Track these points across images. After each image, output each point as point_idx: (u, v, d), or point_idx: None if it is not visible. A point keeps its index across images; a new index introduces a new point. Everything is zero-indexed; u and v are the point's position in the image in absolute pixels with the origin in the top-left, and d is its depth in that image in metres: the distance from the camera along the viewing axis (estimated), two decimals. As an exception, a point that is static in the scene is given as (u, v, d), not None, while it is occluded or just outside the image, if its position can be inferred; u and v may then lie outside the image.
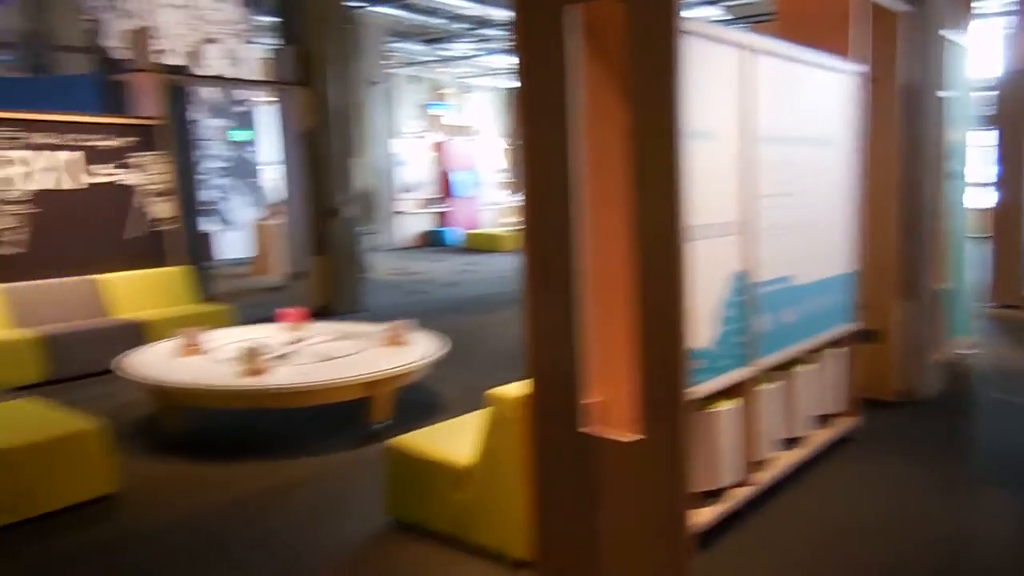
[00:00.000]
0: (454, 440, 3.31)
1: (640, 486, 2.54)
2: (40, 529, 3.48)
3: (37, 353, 5.86)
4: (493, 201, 18.14)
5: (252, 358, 4.36)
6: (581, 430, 2.65)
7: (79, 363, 6.00)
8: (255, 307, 8.10)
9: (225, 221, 13.45)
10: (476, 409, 3.72)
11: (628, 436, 2.55)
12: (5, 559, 3.24)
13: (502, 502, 3.01)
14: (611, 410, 2.72)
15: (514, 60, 2.62)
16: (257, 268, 11.98)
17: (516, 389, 2.91)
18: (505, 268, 12.75)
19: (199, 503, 3.81)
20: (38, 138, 6.52)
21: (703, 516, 3.06)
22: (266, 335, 5.38)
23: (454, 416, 3.86)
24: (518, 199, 2.66)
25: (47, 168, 6.57)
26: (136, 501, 3.80)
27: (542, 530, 2.83)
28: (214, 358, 4.81)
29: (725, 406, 3.21)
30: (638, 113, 2.42)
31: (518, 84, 2.63)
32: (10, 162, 6.35)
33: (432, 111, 17.36)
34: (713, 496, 3.20)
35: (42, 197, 6.53)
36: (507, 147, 18.91)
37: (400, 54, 15.38)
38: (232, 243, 12.96)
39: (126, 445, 4.45)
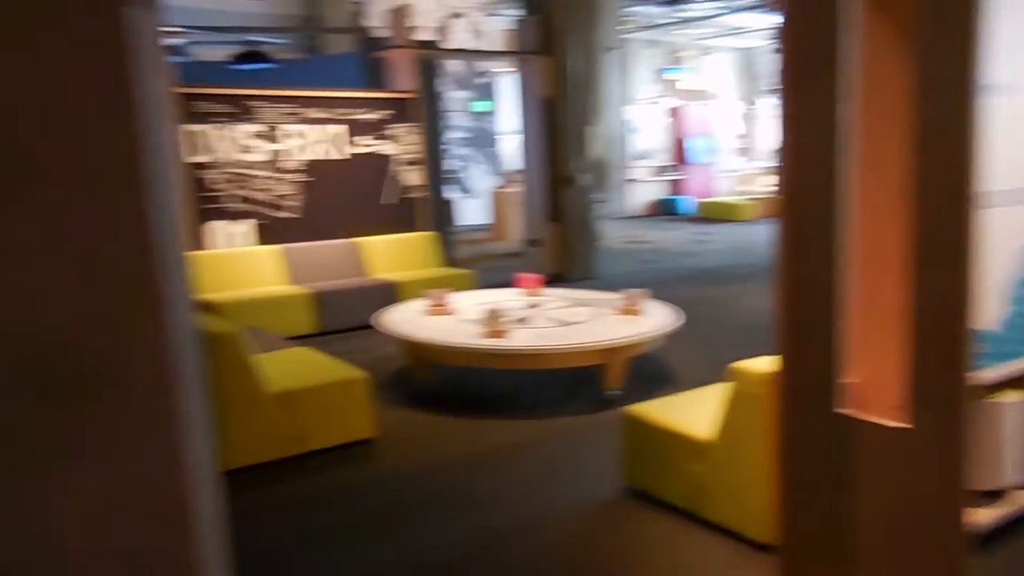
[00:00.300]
0: (692, 412, 3.23)
1: (907, 478, 2.31)
2: (313, 464, 3.92)
3: (309, 307, 6.57)
4: (730, 168, 17.39)
5: (494, 320, 4.55)
6: (838, 411, 2.46)
7: (342, 317, 6.65)
8: (492, 272, 8.47)
9: (465, 189, 14.15)
10: (710, 383, 3.61)
11: (894, 422, 2.32)
12: (286, 486, 3.69)
13: (741, 480, 2.89)
14: (871, 393, 2.49)
15: (761, 17, 2.43)
16: (494, 235, 12.51)
17: (761, 363, 2.76)
18: (742, 238, 12.21)
19: (446, 453, 4.07)
20: (312, 113, 7.24)
21: (982, 517, 2.72)
22: (505, 299, 5.60)
23: (686, 388, 3.77)
24: (775, 163, 2.49)
25: (318, 140, 7.30)
26: (391, 446, 4.14)
27: (788, 515, 2.68)
28: (459, 318, 5.10)
29: (1012, 397, 2.81)
30: (926, 65, 2.14)
31: (782, 32, 2.44)
32: (290, 135, 7.13)
33: (667, 75, 16.93)
34: (994, 496, 2.84)
35: (314, 167, 7.27)
36: (745, 111, 17.99)
37: (636, 18, 15.13)
38: (471, 210, 13.63)
39: (383, 394, 4.87)
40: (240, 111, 6.88)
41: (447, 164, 11.28)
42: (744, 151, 17.95)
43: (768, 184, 16.49)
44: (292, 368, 4.15)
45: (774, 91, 2.50)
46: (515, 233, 11.30)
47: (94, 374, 0.93)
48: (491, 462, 3.93)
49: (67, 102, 0.88)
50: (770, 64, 16.95)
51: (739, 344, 3.48)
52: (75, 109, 0.89)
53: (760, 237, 12.31)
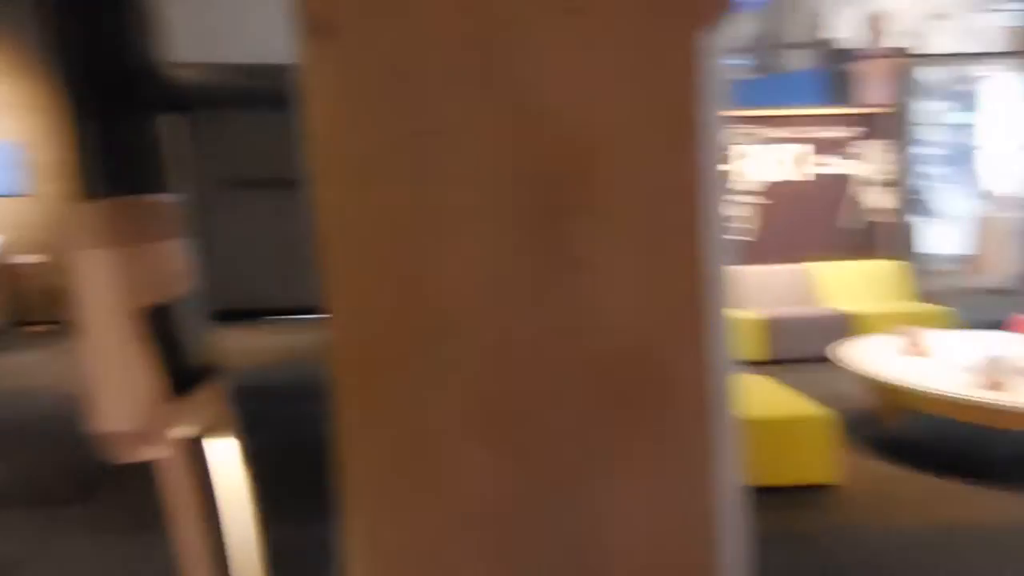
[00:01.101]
0: None
1: None
2: (766, 501, 3.63)
3: (759, 333, 6.31)
4: None
5: (996, 369, 3.78)
6: None
7: (791, 347, 6.24)
8: (970, 310, 7.23)
9: (931, 213, 12.47)
10: None
11: None
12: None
13: None
14: None
15: None
16: (973, 267, 10.76)
17: None
18: None
19: (923, 517, 3.49)
20: (770, 133, 7.00)
21: None
22: (998, 344, 4.65)
23: None
24: None
25: (777, 161, 7.02)
26: (854, 497, 3.69)
27: None
28: (943, 362, 4.37)
29: None
30: None
31: None
32: (747, 156, 6.99)
33: None
34: None
35: (771, 188, 7.01)
36: None
37: None
38: (942, 237, 11.93)
39: (844, 437, 4.39)
40: (700, 133, 6.94)
41: (917, 185, 10.04)
42: None
43: None
44: (751, 396, 3.96)
45: None
46: (1003, 267, 9.56)
47: (654, 385, 0.98)
48: (986, 540, 3.23)
49: (637, 125, 0.94)
50: None
51: None
52: (643, 131, 0.94)
53: None
